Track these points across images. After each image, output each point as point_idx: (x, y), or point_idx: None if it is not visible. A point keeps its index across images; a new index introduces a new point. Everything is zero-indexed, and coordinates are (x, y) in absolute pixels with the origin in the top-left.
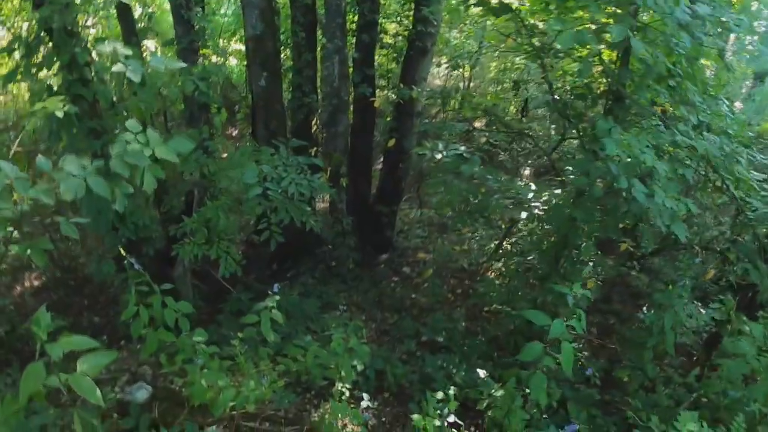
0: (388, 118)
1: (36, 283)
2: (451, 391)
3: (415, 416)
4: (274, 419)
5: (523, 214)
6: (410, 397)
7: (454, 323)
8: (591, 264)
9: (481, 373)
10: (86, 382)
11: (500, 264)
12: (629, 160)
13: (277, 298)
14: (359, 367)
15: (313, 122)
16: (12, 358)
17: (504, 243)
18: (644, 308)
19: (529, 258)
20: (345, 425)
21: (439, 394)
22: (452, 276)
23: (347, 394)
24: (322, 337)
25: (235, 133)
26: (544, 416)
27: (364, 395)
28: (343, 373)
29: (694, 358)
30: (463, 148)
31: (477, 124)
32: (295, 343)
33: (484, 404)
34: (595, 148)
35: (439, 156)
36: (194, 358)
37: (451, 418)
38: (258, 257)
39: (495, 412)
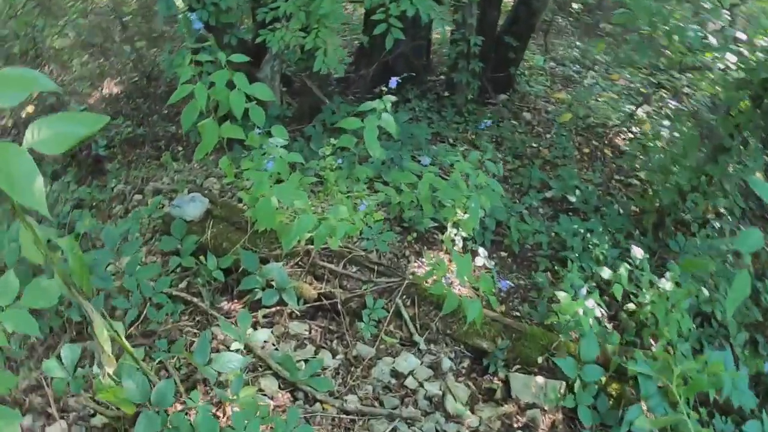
0: None
1: (115, 90)
2: (623, 270)
3: (562, 295)
4: (362, 263)
5: (732, 58)
6: (535, 264)
7: (587, 184)
8: None
9: (638, 252)
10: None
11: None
12: None
13: (394, 99)
14: (481, 213)
15: None
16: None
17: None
18: None
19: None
20: (452, 283)
21: (606, 273)
22: (578, 133)
23: (459, 244)
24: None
25: None
26: (694, 326)
27: (480, 250)
28: (461, 215)
29: None
30: None
31: None
32: (405, 167)
33: (645, 296)
34: None
35: None
36: (266, 165)
37: (590, 302)
38: (360, 78)
39: (653, 308)
